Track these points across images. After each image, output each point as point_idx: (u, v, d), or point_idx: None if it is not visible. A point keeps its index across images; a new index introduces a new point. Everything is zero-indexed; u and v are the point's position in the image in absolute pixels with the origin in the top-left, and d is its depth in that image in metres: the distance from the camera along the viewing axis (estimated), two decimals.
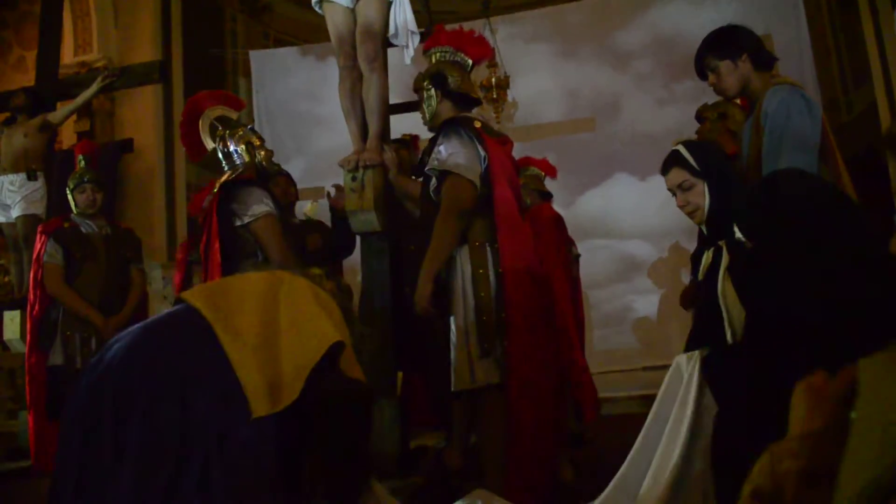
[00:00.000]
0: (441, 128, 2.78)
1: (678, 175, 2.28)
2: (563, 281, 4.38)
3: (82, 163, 4.22)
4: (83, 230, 4.08)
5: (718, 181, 2.22)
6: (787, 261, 1.63)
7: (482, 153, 2.69)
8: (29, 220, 5.44)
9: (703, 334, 2.15)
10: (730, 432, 1.88)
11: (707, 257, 2.19)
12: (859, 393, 0.66)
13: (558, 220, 4.33)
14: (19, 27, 9.54)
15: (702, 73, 2.80)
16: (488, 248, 2.67)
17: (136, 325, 1.58)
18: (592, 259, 6.66)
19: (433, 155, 2.73)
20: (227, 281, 1.65)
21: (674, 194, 2.34)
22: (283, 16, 9.94)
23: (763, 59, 2.73)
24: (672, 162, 2.31)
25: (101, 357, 1.48)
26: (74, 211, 4.14)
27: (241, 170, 3.20)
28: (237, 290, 1.58)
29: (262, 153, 3.31)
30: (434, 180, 2.75)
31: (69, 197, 4.16)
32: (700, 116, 3.93)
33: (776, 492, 0.72)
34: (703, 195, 2.22)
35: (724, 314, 2.03)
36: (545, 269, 4.22)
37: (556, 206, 4.55)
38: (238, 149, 3.24)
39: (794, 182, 1.81)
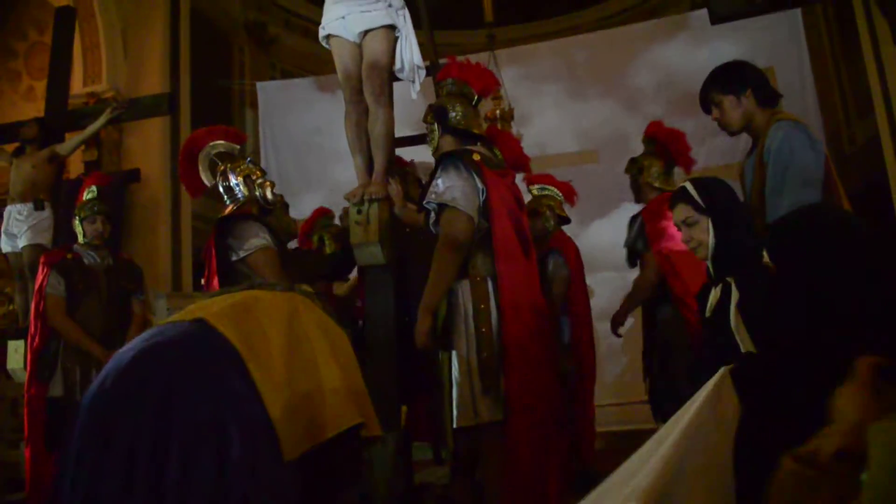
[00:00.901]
0: (439, 161, 2.80)
1: (683, 211, 2.29)
2: (588, 316, 4.35)
3: (94, 193, 4.22)
4: (85, 261, 4.08)
5: (723, 219, 2.21)
6: (823, 285, 1.63)
7: (480, 186, 2.69)
8: (35, 250, 5.46)
9: (712, 371, 2.13)
10: (757, 437, 1.85)
11: (714, 294, 2.18)
12: (871, 455, 0.65)
13: (579, 253, 4.34)
14: (29, 57, 9.66)
15: (706, 107, 2.82)
16: (489, 283, 2.67)
17: (149, 345, 1.38)
18: (602, 291, 6.66)
19: (431, 188, 2.74)
20: (247, 304, 1.54)
21: (679, 229, 2.35)
22: (290, 48, 10.07)
23: (767, 95, 2.76)
24: (678, 197, 2.32)
25: (112, 380, 1.32)
26: (80, 240, 4.14)
27: (240, 204, 3.22)
28: (259, 317, 1.48)
29: (263, 186, 3.33)
30: (433, 214, 2.76)
31: (77, 226, 4.16)
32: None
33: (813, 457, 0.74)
34: (706, 232, 2.22)
35: (742, 348, 2.02)
36: (578, 299, 4.21)
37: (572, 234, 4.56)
38: (238, 182, 3.26)
39: (829, 212, 1.85)
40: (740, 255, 2.15)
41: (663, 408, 3.63)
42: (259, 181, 3.33)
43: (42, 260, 4.18)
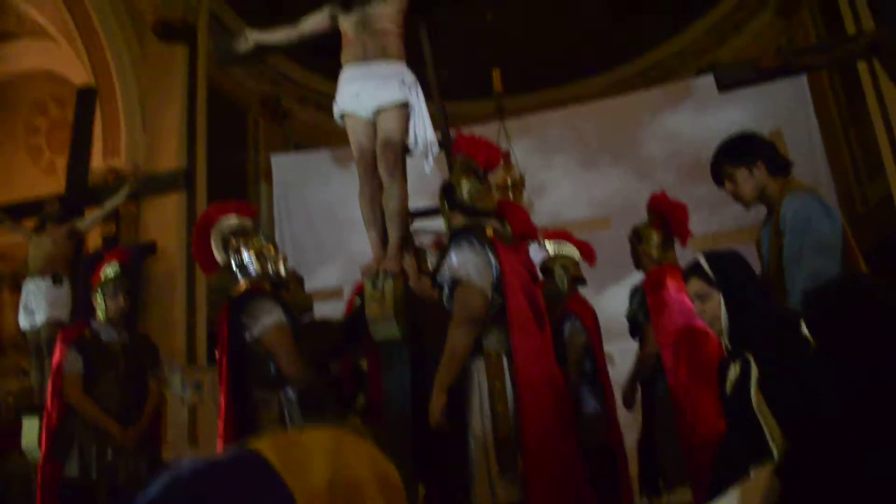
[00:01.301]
0: (451, 237, 2.81)
1: (695, 285, 2.27)
2: (609, 386, 4.19)
3: (116, 269, 4.22)
4: (103, 338, 4.06)
5: (736, 293, 2.18)
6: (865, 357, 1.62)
7: (493, 261, 2.68)
8: (53, 326, 5.50)
9: (738, 450, 2.07)
10: None
11: (734, 371, 2.13)
12: None
13: (596, 316, 4.25)
14: (51, 133, 9.93)
15: (718, 180, 2.83)
16: (504, 359, 2.63)
17: (201, 470, 1.32)
18: (625, 361, 6.55)
19: (444, 264, 2.74)
20: (300, 442, 1.50)
21: (693, 302, 2.33)
22: (304, 121, 10.29)
23: (778, 164, 2.78)
24: (691, 271, 2.30)
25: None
26: (101, 316, 4.11)
27: (254, 281, 3.23)
28: (308, 450, 1.46)
29: (276, 261, 3.34)
30: (446, 289, 2.75)
31: (99, 301, 4.13)
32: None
33: None
34: (719, 306, 2.19)
35: (765, 428, 1.96)
36: (599, 366, 4.11)
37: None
38: (251, 259, 3.28)
39: (867, 285, 1.84)
40: (757, 330, 2.10)
41: (654, 481, 3.63)
42: (271, 256, 3.34)
43: (60, 337, 4.17)
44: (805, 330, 1.92)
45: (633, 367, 3.96)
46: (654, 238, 3.86)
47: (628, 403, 4.05)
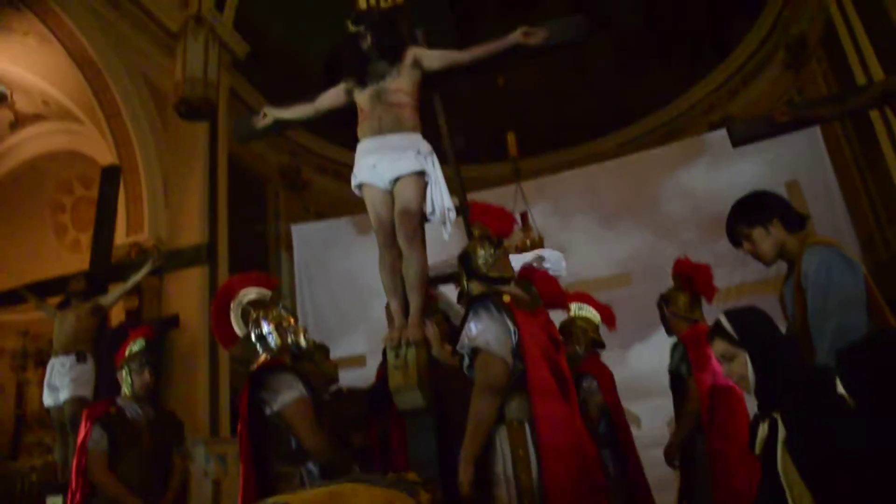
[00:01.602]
0: (469, 305, 2.79)
1: (720, 345, 2.23)
2: (632, 446, 4.14)
3: (142, 345, 4.22)
4: (128, 415, 4.02)
5: (761, 352, 2.14)
6: None
7: (512, 328, 2.66)
8: (77, 403, 5.50)
9: None
10: None
11: (763, 430, 2.08)
12: None
13: (613, 377, 4.21)
14: (76, 211, 10.16)
15: (735, 242, 2.83)
16: (527, 427, 2.59)
17: None
18: (654, 419, 6.44)
19: (463, 333, 2.72)
20: (342, 495, 1.49)
21: (720, 363, 2.29)
22: (322, 190, 10.48)
23: (794, 220, 2.76)
24: (714, 331, 2.27)
25: None
26: (128, 392, 4.08)
27: (273, 353, 3.23)
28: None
29: (296, 333, 3.33)
30: (466, 359, 2.73)
31: (125, 377, 4.10)
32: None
33: None
34: (745, 366, 2.15)
35: (787, 493, 1.90)
36: (620, 427, 4.05)
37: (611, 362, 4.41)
38: (270, 331, 3.27)
39: None
40: (785, 388, 2.06)
41: None
42: (291, 328, 3.33)
43: (85, 414, 4.12)
44: (841, 388, 1.86)
45: (680, 423, 3.95)
46: (682, 300, 4.06)
47: (671, 461, 3.98)
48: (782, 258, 2.78)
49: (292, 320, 3.39)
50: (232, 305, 3.47)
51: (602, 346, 4.46)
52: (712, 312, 3.10)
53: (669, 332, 4.16)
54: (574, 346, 4.24)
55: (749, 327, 2.20)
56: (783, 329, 2.87)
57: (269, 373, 3.11)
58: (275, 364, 3.17)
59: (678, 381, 4.00)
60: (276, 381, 3.06)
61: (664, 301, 4.13)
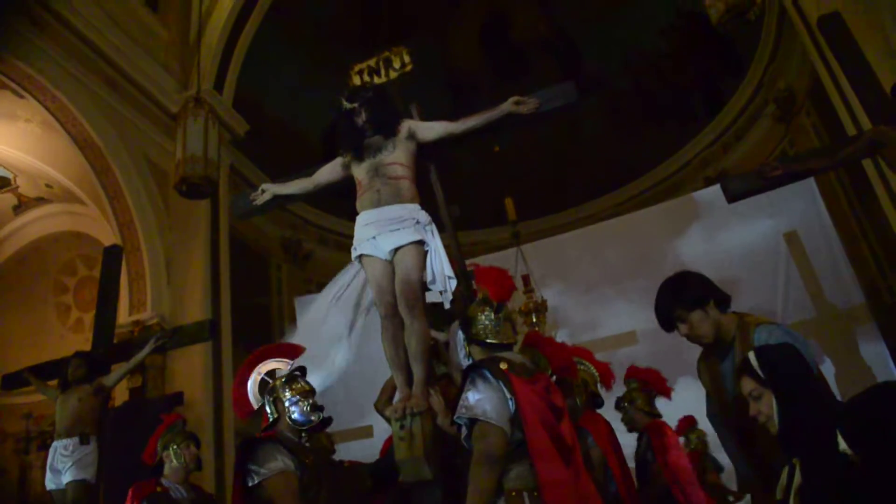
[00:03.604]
0: (465, 373, 2.76)
1: (747, 383, 2.19)
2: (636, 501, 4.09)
3: (179, 426, 4.29)
4: (173, 496, 4.00)
5: (788, 393, 2.07)
6: None
7: (509, 395, 2.61)
8: (79, 486, 5.41)
9: None
10: None
11: (783, 477, 2.03)
12: None
13: (612, 431, 4.15)
14: (79, 291, 10.19)
15: (670, 325, 2.89)
16: (526, 497, 2.53)
17: None
18: None
19: (460, 402, 2.68)
20: None
21: (749, 402, 2.23)
22: (324, 261, 10.53)
23: (725, 300, 2.84)
24: (742, 369, 2.23)
25: None
26: (177, 464, 4.11)
27: (273, 427, 3.24)
28: None
29: (308, 402, 3.30)
30: (464, 430, 2.69)
31: (171, 453, 4.13)
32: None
33: None
34: (772, 405, 2.10)
35: None
36: (620, 482, 3.97)
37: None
38: (269, 402, 3.31)
39: None
40: (807, 433, 1.99)
41: None
42: (289, 399, 3.31)
43: (131, 493, 4.01)
44: (843, 443, 1.83)
45: None
46: (640, 399, 4.55)
47: None
48: (717, 337, 2.82)
49: (300, 388, 3.36)
50: (251, 377, 3.48)
51: (601, 403, 4.44)
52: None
53: (631, 428, 4.57)
54: (575, 400, 4.23)
55: (777, 365, 2.14)
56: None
57: (258, 444, 3.10)
58: (265, 436, 3.17)
59: (644, 468, 4.34)
60: (264, 452, 3.05)
61: (625, 401, 4.59)
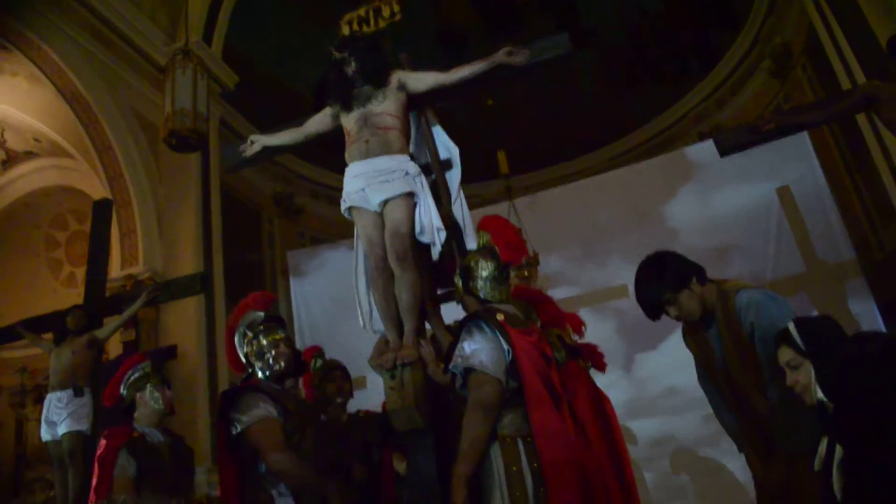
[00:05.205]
0: (461, 324, 2.77)
1: (786, 353, 2.20)
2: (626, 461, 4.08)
3: (148, 368, 3.96)
4: (150, 440, 3.74)
5: (827, 363, 2.06)
6: None
7: (506, 346, 2.64)
8: (75, 437, 5.47)
9: None
10: None
11: (821, 448, 2.02)
12: None
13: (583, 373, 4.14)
14: (70, 246, 10.16)
15: (656, 310, 2.88)
16: (520, 443, 2.57)
17: None
18: (645, 438, 6.42)
19: (456, 352, 2.70)
20: None
21: (786, 371, 2.24)
22: (316, 215, 10.50)
23: (702, 273, 2.84)
24: (781, 339, 2.23)
25: None
26: (156, 407, 3.82)
27: (255, 375, 3.26)
28: None
29: (273, 351, 3.30)
30: (459, 378, 2.71)
31: (147, 395, 3.82)
32: None
33: None
34: (810, 376, 2.11)
35: None
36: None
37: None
38: (265, 347, 3.30)
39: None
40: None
41: None
42: (267, 346, 3.31)
43: (104, 443, 3.71)
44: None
45: None
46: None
47: None
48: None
49: (275, 337, 3.36)
50: (236, 331, 3.48)
51: (580, 353, 4.44)
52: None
53: None
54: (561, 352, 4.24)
55: (817, 336, 2.14)
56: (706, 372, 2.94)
57: (240, 393, 3.12)
58: (246, 385, 3.17)
59: None
60: (244, 400, 3.06)
61: None
